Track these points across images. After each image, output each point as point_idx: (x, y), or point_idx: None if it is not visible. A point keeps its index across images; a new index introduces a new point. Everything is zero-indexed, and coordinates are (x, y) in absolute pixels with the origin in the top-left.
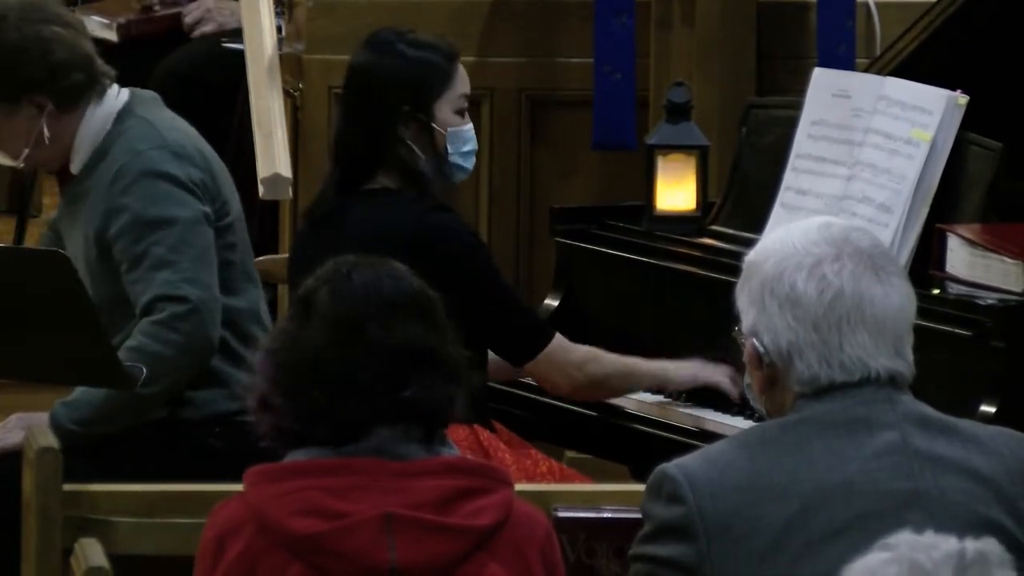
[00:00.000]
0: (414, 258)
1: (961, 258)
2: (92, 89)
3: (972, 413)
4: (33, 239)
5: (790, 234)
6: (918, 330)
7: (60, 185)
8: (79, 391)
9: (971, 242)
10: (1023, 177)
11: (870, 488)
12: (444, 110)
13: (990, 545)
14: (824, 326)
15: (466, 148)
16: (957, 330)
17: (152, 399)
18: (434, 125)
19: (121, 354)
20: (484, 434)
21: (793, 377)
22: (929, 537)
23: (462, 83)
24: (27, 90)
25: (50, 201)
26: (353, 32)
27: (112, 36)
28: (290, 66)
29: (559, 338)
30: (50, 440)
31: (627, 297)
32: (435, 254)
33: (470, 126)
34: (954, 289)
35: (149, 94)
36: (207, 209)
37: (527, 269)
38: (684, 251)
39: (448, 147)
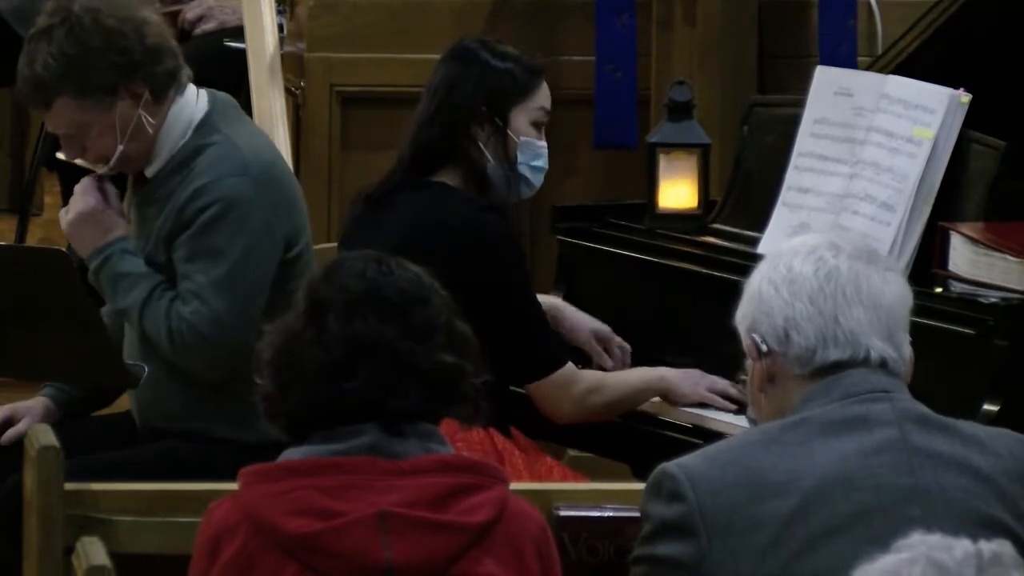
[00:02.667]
0: (453, 254)
1: (964, 256)
2: (178, 80)
3: (974, 412)
4: (35, 238)
5: (783, 245)
6: (920, 329)
7: (133, 185)
8: (143, 272)
9: (974, 240)
10: None
11: (870, 484)
12: (520, 119)
13: (1004, 547)
14: (820, 298)
15: (536, 162)
16: (960, 328)
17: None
18: (508, 131)
19: (163, 302)
20: (499, 438)
21: (792, 357)
22: (943, 538)
23: (543, 98)
24: (127, 75)
25: (51, 200)
26: (355, 30)
27: None
28: (292, 64)
29: (569, 367)
30: (51, 439)
31: (628, 295)
32: (475, 255)
33: (544, 144)
34: (956, 288)
35: (228, 100)
36: (271, 245)
37: (528, 267)
38: (685, 249)
39: (518, 155)
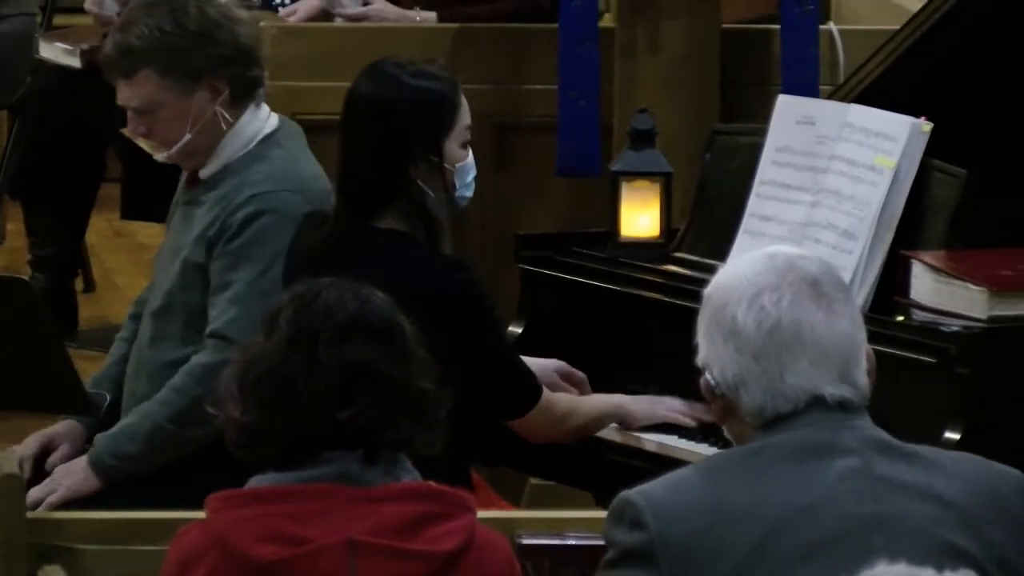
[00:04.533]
0: (430, 315)
1: (926, 285)
2: (258, 90)
3: (937, 440)
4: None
5: (738, 265)
6: (882, 357)
7: (185, 184)
8: (122, 424)
9: (936, 269)
10: (988, 204)
11: (834, 512)
12: (452, 147)
13: None
14: (764, 357)
15: (469, 179)
16: (922, 357)
17: (194, 440)
18: (444, 164)
19: (164, 392)
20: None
21: (743, 408)
22: (907, 567)
23: (466, 114)
24: (212, 69)
25: (14, 227)
26: (319, 58)
27: (75, 62)
28: None
29: (546, 393)
30: (13, 467)
31: (591, 324)
32: (452, 317)
33: (471, 155)
34: (919, 316)
35: (297, 128)
36: None
37: (491, 295)
38: (648, 278)
39: (455, 182)
